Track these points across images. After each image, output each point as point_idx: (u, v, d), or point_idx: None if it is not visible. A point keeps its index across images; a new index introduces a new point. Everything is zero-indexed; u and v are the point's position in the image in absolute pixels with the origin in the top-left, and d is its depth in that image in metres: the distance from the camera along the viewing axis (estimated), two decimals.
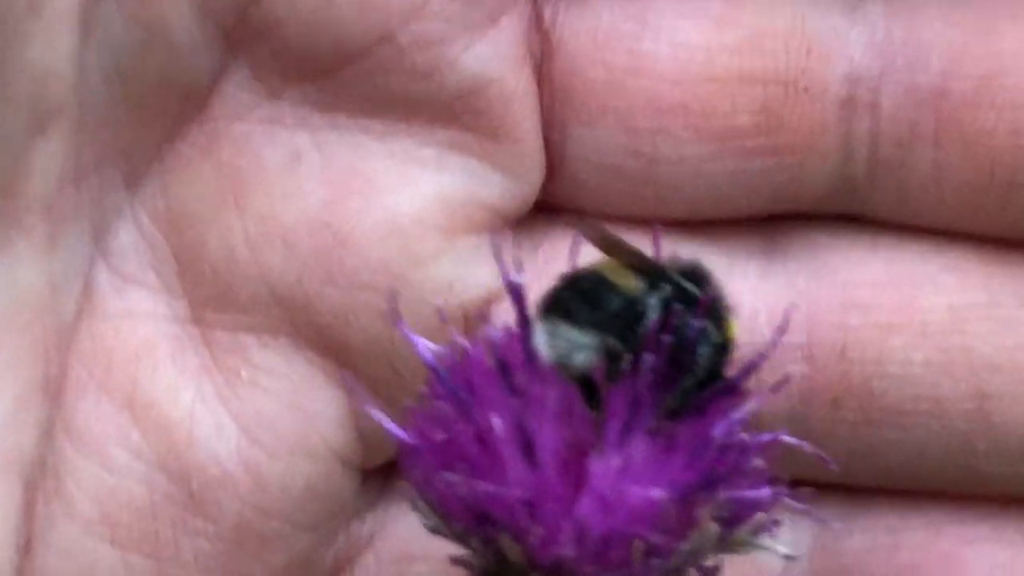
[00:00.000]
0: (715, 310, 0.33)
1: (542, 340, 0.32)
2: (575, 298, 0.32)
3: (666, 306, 0.32)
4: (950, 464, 0.40)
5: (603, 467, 0.31)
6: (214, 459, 0.36)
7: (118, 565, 0.36)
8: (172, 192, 0.38)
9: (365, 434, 0.38)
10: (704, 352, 0.32)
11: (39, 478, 0.35)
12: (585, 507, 0.31)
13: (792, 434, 0.38)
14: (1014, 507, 0.41)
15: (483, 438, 0.32)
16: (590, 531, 0.31)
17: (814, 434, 0.39)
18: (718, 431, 0.32)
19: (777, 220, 0.41)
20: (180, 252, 0.38)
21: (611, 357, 0.31)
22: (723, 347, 0.33)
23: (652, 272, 0.33)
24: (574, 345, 0.32)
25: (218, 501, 0.36)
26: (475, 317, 0.38)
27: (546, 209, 0.40)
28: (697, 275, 0.33)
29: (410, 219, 0.37)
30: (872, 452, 0.40)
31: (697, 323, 0.32)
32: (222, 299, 0.37)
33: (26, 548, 0.35)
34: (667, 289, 0.32)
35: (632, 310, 0.32)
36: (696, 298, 0.32)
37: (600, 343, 0.31)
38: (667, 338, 0.31)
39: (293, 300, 0.37)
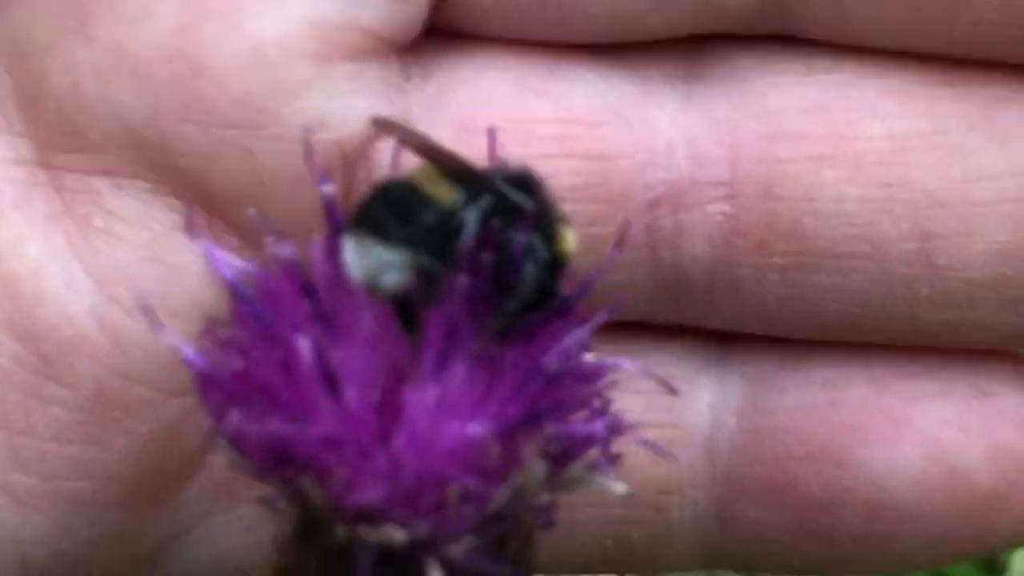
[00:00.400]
0: (544, 222, 0.29)
1: (351, 258, 0.28)
2: (386, 211, 0.28)
3: (486, 219, 0.28)
4: (892, 312, 0.36)
5: (417, 400, 0.28)
6: (66, 318, 0.32)
7: None
8: (12, 18, 0.34)
9: None
10: (530, 271, 0.28)
11: None
12: (396, 445, 0.27)
13: (718, 282, 0.35)
14: (961, 359, 0.37)
15: (287, 367, 0.28)
16: (401, 473, 0.27)
17: (741, 282, 0.35)
18: (548, 358, 0.29)
19: (698, 42, 0.36)
20: (22, 86, 0.34)
21: (426, 277, 0.28)
22: (555, 263, 0.29)
23: (473, 181, 0.29)
24: (384, 264, 0.28)
25: (72, 365, 0.32)
26: (352, 156, 0.34)
27: (440, 33, 0.35)
28: (525, 183, 0.30)
29: (276, 45, 0.33)
30: (806, 300, 0.36)
31: (521, 238, 0.28)
32: (70, 138, 0.34)
33: None
34: (488, 200, 0.29)
35: (448, 224, 0.28)
36: (522, 209, 0.29)
37: (413, 261, 0.28)
38: (487, 256, 0.28)
39: (149, 139, 0.33)
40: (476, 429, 0.27)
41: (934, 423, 0.36)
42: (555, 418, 0.28)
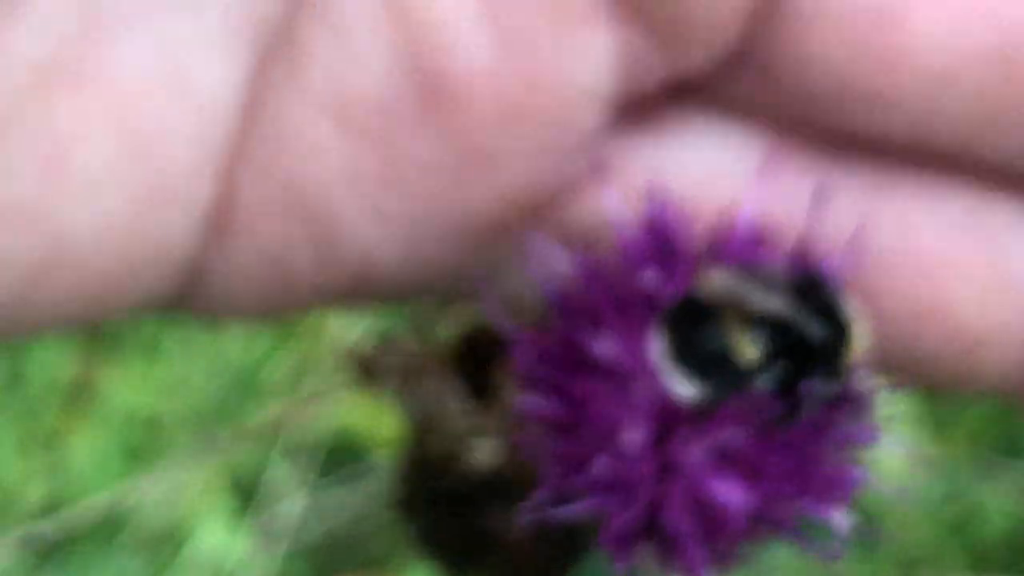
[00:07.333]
0: (837, 348, 0.31)
1: (655, 349, 0.31)
2: (691, 345, 0.31)
3: (781, 382, 0.31)
4: None
5: (692, 452, 0.30)
6: (467, 72, 0.33)
7: (344, 153, 0.34)
8: None
9: (633, 71, 0.34)
10: (810, 407, 0.31)
11: (276, 45, 0.33)
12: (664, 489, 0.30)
13: None
14: None
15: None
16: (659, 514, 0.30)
17: None
18: (824, 447, 0.31)
19: None
20: None
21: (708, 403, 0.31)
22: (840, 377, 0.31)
23: (775, 327, 0.31)
24: (678, 382, 0.30)
25: (457, 114, 0.33)
26: None
27: None
28: (825, 299, 0.31)
29: None
30: None
31: (807, 387, 0.30)
32: None
33: (250, 111, 0.33)
34: (784, 366, 0.31)
35: (744, 378, 0.31)
36: (818, 341, 0.30)
37: (702, 396, 0.30)
38: (776, 407, 0.30)
39: None
40: (743, 499, 0.30)
41: None
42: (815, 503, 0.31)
